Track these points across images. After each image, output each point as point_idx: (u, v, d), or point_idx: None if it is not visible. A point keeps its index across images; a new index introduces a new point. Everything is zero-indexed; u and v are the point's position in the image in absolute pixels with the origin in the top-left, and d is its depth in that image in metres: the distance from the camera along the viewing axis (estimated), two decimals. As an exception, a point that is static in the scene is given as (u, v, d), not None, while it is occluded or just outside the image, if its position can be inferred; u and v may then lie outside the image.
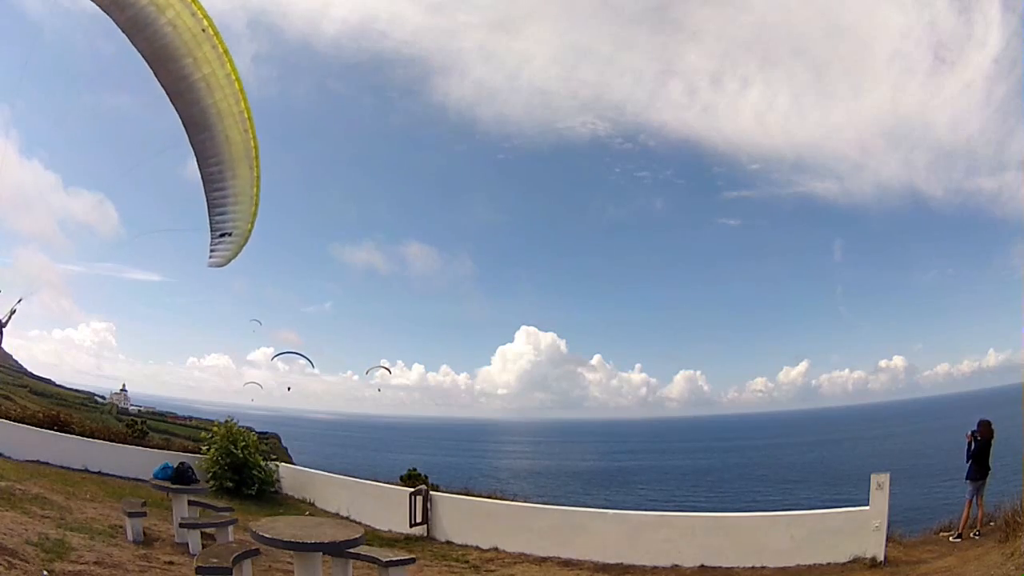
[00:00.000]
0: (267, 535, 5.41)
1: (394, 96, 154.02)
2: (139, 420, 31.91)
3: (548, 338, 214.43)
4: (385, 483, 14.36)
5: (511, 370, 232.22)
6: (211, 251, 6.01)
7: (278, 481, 15.07)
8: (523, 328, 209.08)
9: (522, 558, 9.56)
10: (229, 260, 6.20)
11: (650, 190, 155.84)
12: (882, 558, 7.66)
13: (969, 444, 8.94)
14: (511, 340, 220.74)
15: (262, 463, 14.41)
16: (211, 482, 13.06)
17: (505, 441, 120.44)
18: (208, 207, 5.71)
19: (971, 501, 8.74)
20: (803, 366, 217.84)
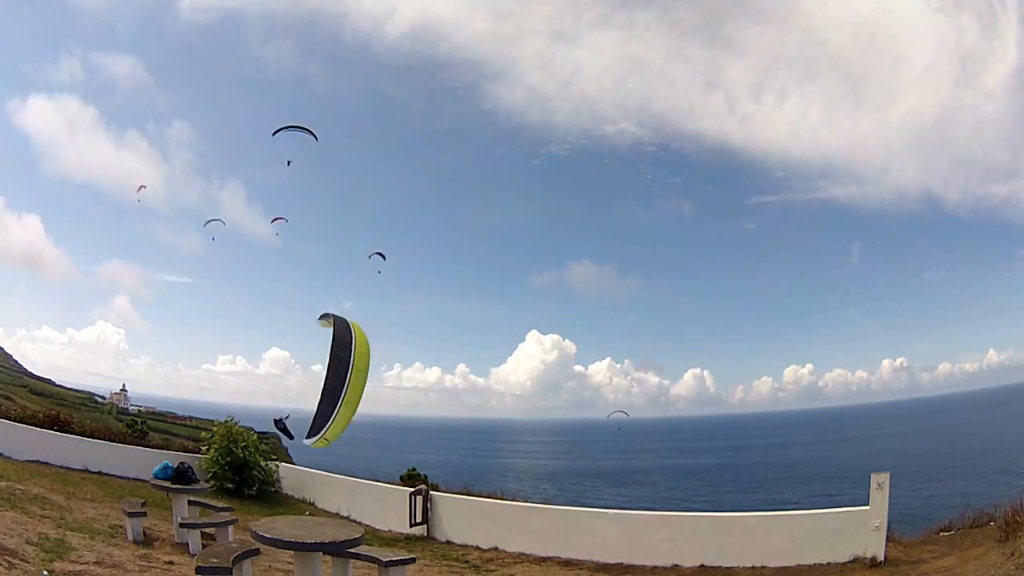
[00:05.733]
0: (267, 535, 5.40)
1: (444, 100, 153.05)
2: (139, 420, 31.91)
3: (562, 343, 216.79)
4: (385, 483, 14.38)
5: (523, 370, 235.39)
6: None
7: (278, 481, 15.08)
8: (533, 332, 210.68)
9: (522, 558, 9.56)
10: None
11: (679, 195, 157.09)
12: (882, 558, 7.65)
13: None
14: (523, 341, 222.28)
15: (262, 463, 14.43)
16: (211, 482, 13.05)
17: (520, 441, 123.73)
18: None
19: None
20: (809, 366, 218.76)
